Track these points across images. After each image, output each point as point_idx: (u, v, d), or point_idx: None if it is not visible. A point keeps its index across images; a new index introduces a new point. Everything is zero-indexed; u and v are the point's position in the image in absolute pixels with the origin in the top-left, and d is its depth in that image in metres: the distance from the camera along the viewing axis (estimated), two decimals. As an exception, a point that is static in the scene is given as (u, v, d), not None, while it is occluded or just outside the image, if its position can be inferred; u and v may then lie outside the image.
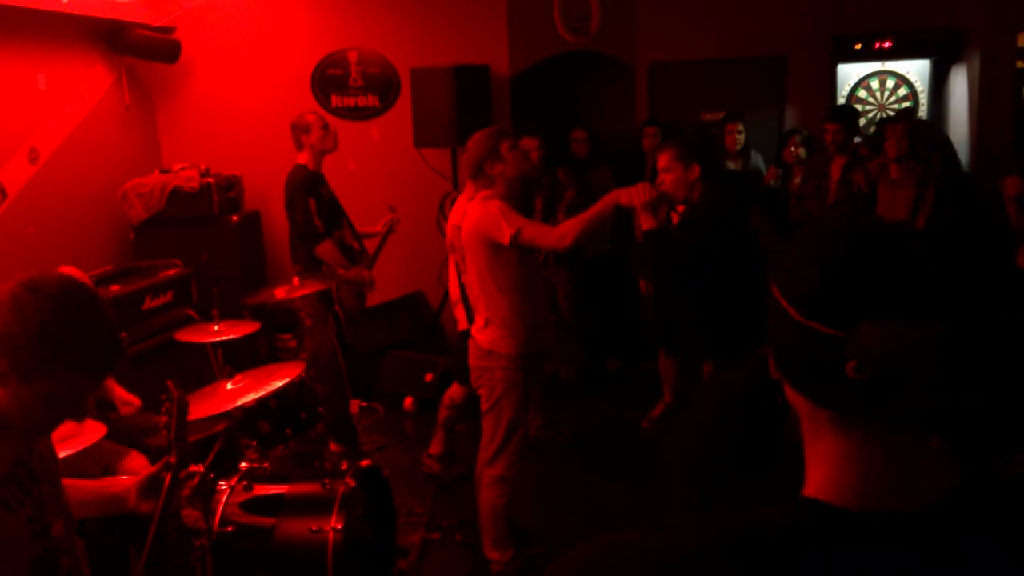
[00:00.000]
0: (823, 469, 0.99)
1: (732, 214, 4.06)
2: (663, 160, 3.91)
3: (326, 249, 4.97)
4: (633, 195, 3.61)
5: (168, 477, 2.19)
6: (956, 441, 0.98)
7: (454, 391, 4.96)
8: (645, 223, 3.74)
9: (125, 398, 4.04)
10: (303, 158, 5.11)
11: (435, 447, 5.08)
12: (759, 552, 0.92)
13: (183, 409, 2.29)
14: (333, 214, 5.17)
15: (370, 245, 5.50)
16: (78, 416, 1.83)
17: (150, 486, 2.22)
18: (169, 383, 2.31)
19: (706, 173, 3.96)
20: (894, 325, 0.90)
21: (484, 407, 3.81)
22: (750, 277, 5.74)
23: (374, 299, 5.98)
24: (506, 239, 3.57)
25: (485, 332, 3.75)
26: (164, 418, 2.27)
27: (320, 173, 5.15)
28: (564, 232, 3.65)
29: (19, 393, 1.68)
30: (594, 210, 3.67)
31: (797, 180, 5.87)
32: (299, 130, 5.12)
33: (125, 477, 2.50)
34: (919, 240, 0.96)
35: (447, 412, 5.00)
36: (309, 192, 5.00)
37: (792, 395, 1.03)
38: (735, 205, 4.15)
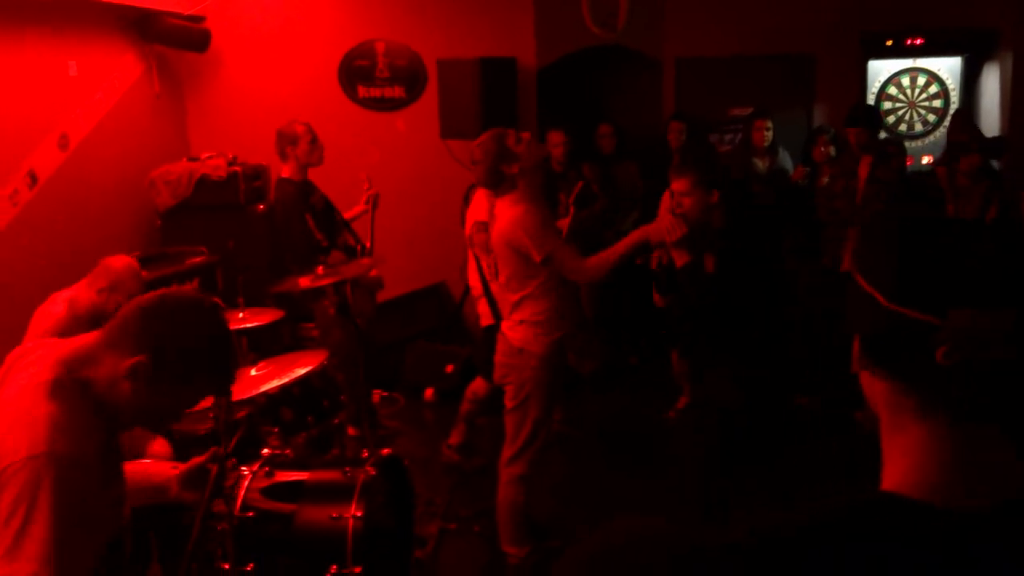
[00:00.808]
0: (905, 463, 0.99)
1: (762, 250, 4.05)
2: (682, 185, 3.80)
3: (336, 259, 4.90)
4: (663, 232, 3.50)
5: (215, 469, 2.24)
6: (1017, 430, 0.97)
7: (477, 385, 4.97)
8: (679, 259, 3.62)
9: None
10: (287, 171, 4.98)
11: (455, 438, 5.11)
12: (845, 544, 0.91)
13: (231, 402, 2.33)
14: (329, 221, 5.09)
15: (361, 228, 5.42)
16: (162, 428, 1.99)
17: (196, 476, 2.30)
18: None
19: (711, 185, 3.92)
20: (985, 311, 0.90)
21: (510, 404, 3.80)
22: (769, 295, 5.75)
23: (396, 290, 6.01)
24: (537, 259, 3.58)
25: (518, 330, 3.74)
26: (211, 411, 2.33)
27: (307, 182, 5.04)
28: (595, 268, 3.65)
29: (139, 392, 1.81)
30: (622, 247, 3.64)
31: (825, 179, 5.83)
32: (286, 140, 4.96)
33: (166, 464, 2.55)
34: (990, 232, 0.97)
35: (469, 406, 5.01)
36: (303, 208, 4.90)
37: (872, 386, 1.03)
38: (765, 239, 4.14)
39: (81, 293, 3.80)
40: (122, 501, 1.95)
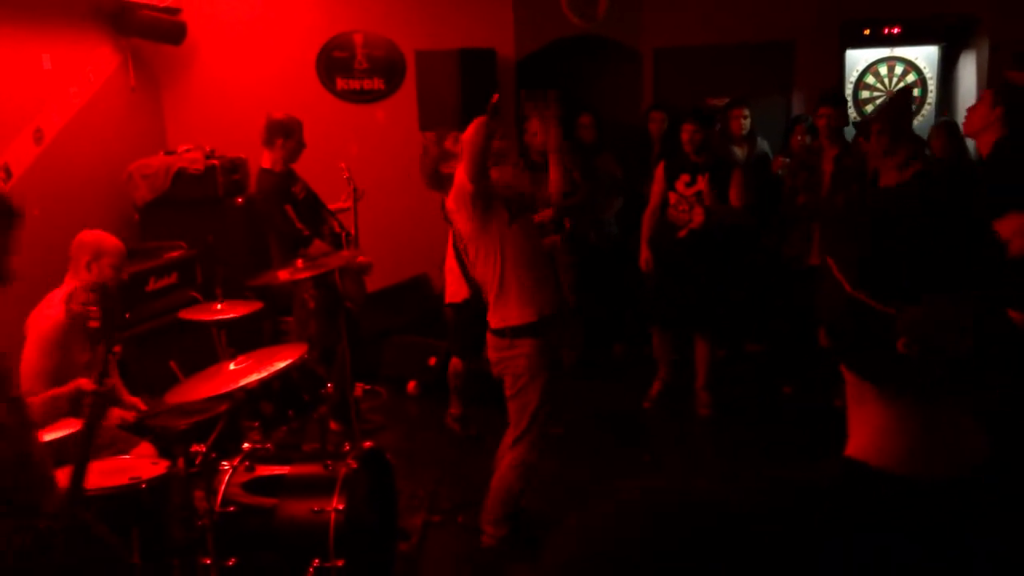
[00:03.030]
0: (866, 433, 1.01)
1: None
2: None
3: (319, 249, 4.89)
4: None
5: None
6: (988, 414, 1.00)
7: (455, 364, 5.28)
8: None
9: (130, 402, 4.05)
10: (269, 160, 4.96)
11: (454, 408, 5.43)
12: (803, 508, 0.94)
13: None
14: (312, 210, 5.07)
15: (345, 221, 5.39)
16: None
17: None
18: None
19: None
20: (944, 302, 0.92)
21: (509, 393, 3.83)
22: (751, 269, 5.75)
23: (378, 283, 5.99)
24: (467, 181, 3.59)
25: (500, 312, 3.76)
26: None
27: (289, 171, 5.02)
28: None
29: None
30: None
31: (778, 170, 5.84)
32: (281, 130, 4.94)
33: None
34: (962, 222, 0.98)
35: (456, 382, 5.34)
36: (284, 198, 4.88)
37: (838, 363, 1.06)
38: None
39: (72, 284, 3.78)
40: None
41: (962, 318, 0.92)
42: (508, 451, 3.90)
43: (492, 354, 3.84)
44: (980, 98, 4.07)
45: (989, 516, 0.95)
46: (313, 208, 5.10)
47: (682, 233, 5.24)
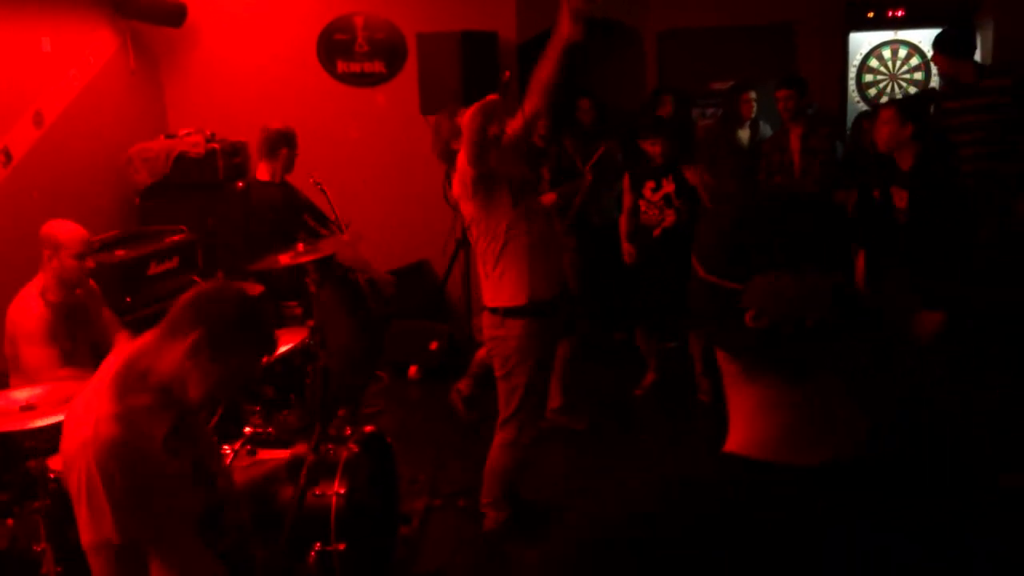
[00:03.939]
0: (741, 423, 1.05)
1: None
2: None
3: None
4: None
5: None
6: (858, 390, 1.03)
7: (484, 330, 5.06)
8: None
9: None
10: (268, 172, 4.86)
11: (464, 385, 5.30)
12: (685, 506, 0.98)
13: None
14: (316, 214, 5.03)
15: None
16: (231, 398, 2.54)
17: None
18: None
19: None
20: (784, 276, 0.97)
21: (498, 374, 3.85)
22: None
23: (379, 268, 5.97)
24: (468, 165, 3.59)
25: (494, 290, 3.77)
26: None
27: (285, 182, 4.96)
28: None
29: (203, 367, 2.08)
30: None
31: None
32: (283, 140, 4.83)
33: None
34: (810, 203, 1.04)
35: (481, 370, 5.11)
36: (301, 209, 4.85)
37: (718, 355, 1.10)
38: None
39: (42, 279, 3.77)
40: (206, 470, 2.24)
41: (801, 291, 0.96)
42: (498, 431, 3.92)
43: (485, 332, 3.86)
44: (883, 116, 4.10)
45: (865, 502, 0.96)
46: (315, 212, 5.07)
47: (656, 232, 5.26)
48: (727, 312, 1.01)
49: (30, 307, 3.69)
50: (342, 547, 3.07)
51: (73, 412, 2.09)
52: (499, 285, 3.76)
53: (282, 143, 4.86)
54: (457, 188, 3.77)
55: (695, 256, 1.07)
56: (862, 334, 0.99)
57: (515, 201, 3.73)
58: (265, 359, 2.29)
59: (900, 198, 4.10)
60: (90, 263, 3.85)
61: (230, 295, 2.19)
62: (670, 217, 5.18)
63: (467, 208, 3.77)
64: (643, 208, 5.33)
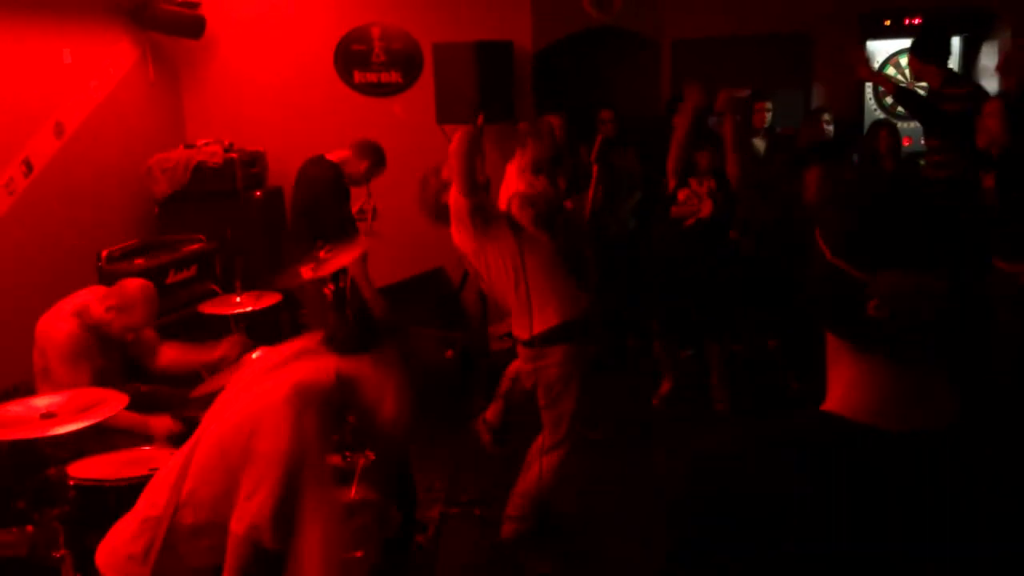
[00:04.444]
0: (840, 389, 1.11)
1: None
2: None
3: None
4: None
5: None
6: (957, 374, 1.09)
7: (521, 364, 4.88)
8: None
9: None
10: (337, 156, 5.12)
11: (492, 415, 4.82)
12: (785, 456, 1.06)
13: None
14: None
15: None
16: None
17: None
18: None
19: None
20: (912, 273, 1.01)
21: (543, 403, 3.81)
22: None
23: (394, 276, 5.99)
24: (461, 195, 3.60)
25: (522, 321, 3.74)
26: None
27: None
28: None
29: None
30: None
31: None
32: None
33: None
34: (942, 198, 1.07)
35: (510, 384, 4.76)
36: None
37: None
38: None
39: (92, 305, 3.76)
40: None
41: (927, 289, 1.00)
42: (544, 455, 3.86)
43: (524, 365, 3.82)
44: (988, 110, 4.19)
45: (957, 467, 1.04)
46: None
47: (689, 222, 5.26)
48: (848, 297, 1.05)
49: (62, 324, 3.68)
50: (359, 555, 3.08)
51: (240, 389, 2.35)
52: (527, 315, 3.72)
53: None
54: (456, 232, 3.75)
55: (821, 237, 1.10)
56: (972, 327, 1.05)
57: (515, 230, 3.73)
58: None
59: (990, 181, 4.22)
60: (130, 336, 3.85)
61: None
62: (707, 207, 5.18)
63: (467, 245, 3.75)
64: (681, 198, 5.33)
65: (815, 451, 1.05)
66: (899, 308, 1.01)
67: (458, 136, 3.57)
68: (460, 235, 3.74)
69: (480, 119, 4.29)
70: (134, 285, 3.80)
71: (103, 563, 2.31)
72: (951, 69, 5.67)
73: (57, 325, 3.69)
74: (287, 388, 2.23)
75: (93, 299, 3.78)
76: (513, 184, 4.83)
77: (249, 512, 2.18)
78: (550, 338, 3.69)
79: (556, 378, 3.72)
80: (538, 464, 3.89)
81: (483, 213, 3.66)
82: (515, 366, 4.85)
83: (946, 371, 1.07)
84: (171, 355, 4.11)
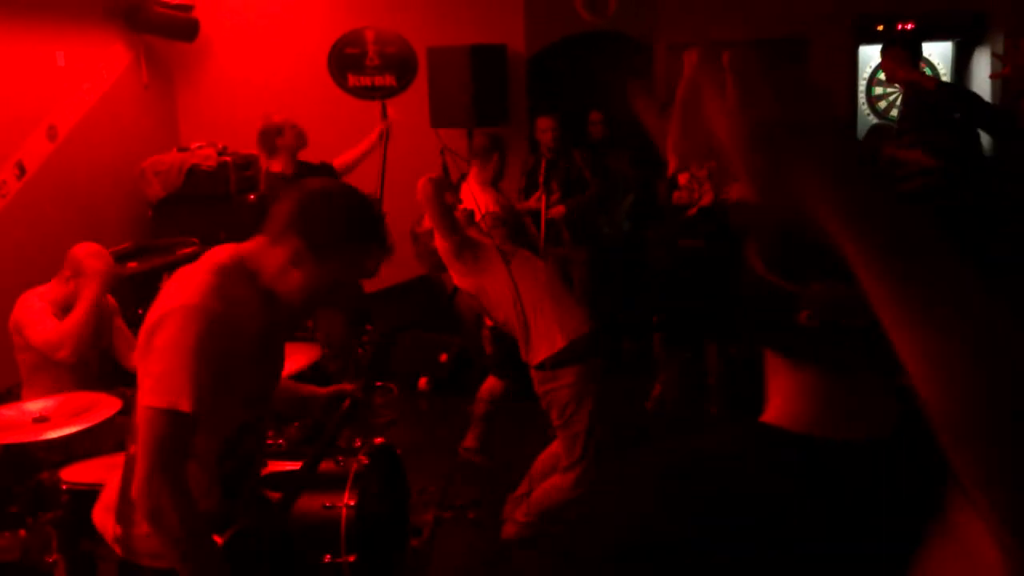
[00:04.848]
0: (778, 401, 1.12)
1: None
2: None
3: None
4: None
5: (347, 403, 2.59)
6: (895, 382, 1.09)
7: (492, 385, 4.85)
8: None
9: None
10: (278, 164, 4.98)
11: (471, 441, 4.93)
12: (719, 472, 1.07)
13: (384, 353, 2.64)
14: None
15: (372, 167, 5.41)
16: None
17: (332, 402, 2.63)
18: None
19: None
20: (841, 282, 1.00)
21: (556, 423, 3.79)
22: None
23: (388, 280, 5.99)
24: (443, 239, 3.69)
25: (533, 347, 3.72)
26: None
27: (300, 166, 5.04)
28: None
29: (309, 273, 2.02)
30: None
31: None
32: (272, 134, 4.96)
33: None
34: None
35: (486, 407, 4.87)
36: None
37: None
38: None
39: (54, 290, 3.76)
40: (268, 385, 2.22)
41: (856, 298, 0.99)
42: (562, 474, 3.85)
43: (537, 388, 3.80)
44: None
45: (894, 475, 1.06)
46: None
47: (692, 211, 5.24)
48: (780, 310, 1.07)
49: (35, 306, 3.67)
50: (352, 559, 3.07)
51: (169, 285, 2.02)
52: (533, 341, 3.71)
53: (272, 138, 5.03)
54: (454, 275, 3.78)
55: (753, 252, 1.11)
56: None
57: (506, 259, 3.74)
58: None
59: None
60: (107, 298, 3.82)
61: (327, 194, 2.10)
62: (708, 196, 5.15)
63: (467, 283, 3.77)
64: (683, 182, 5.30)
65: (753, 462, 1.07)
66: (830, 318, 1.03)
67: (422, 184, 3.61)
68: (458, 276, 3.78)
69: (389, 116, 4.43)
70: (80, 248, 3.77)
71: (99, 521, 2.26)
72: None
73: (30, 305, 3.66)
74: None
75: (54, 285, 3.77)
76: (480, 200, 4.85)
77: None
78: (560, 360, 3.69)
79: (569, 398, 3.71)
80: (555, 477, 3.88)
81: (470, 248, 3.71)
82: (487, 387, 4.87)
83: (882, 379, 1.08)
84: None
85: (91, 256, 3.72)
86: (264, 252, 2.06)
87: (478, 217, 4.65)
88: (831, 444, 1.06)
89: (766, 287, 1.09)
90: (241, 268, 2.04)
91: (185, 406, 1.87)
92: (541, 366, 3.73)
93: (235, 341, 1.98)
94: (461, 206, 4.71)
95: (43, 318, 3.61)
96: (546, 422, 4.07)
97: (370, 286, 5.60)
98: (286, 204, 2.07)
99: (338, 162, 5.39)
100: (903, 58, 5.11)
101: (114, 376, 3.97)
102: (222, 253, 2.07)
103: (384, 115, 5.32)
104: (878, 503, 1.04)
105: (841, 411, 1.08)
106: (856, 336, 1.03)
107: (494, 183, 5.12)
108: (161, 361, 1.89)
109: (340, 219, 2.06)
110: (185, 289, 1.95)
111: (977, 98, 5.31)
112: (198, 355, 1.88)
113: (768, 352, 1.14)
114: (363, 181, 5.43)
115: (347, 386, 2.75)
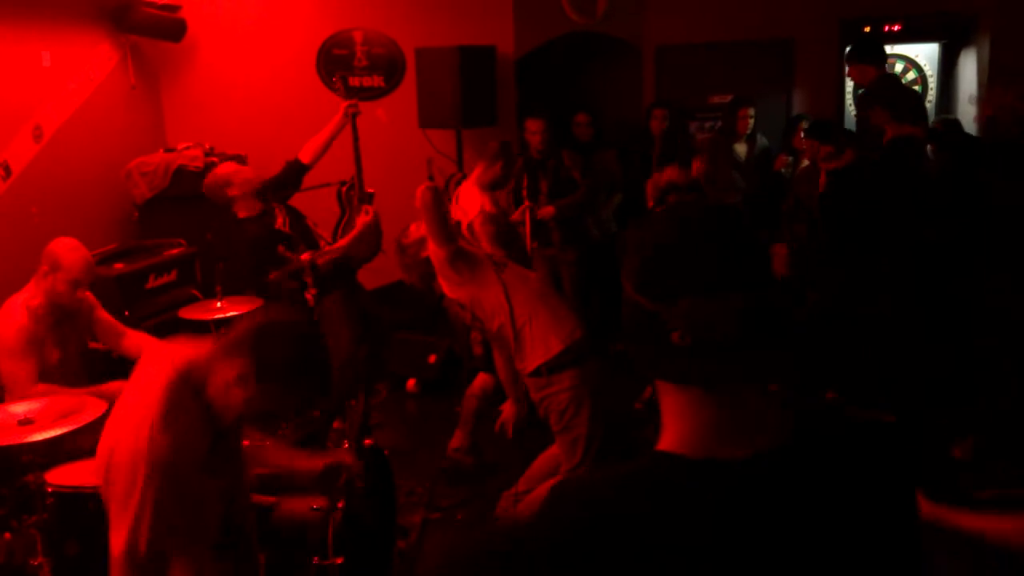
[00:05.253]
0: (671, 426, 1.13)
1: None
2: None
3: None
4: None
5: (344, 477, 2.75)
6: (784, 394, 1.12)
7: (484, 381, 4.84)
8: None
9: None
10: (243, 211, 4.72)
11: (458, 441, 4.88)
12: (616, 503, 1.08)
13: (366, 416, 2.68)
14: (303, 231, 4.91)
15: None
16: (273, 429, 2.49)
17: (326, 476, 2.78)
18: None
19: None
20: (708, 298, 1.03)
21: (556, 429, 3.77)
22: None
23: (377, 281, 5.98)
24: (439, 248, 3.65)
25: (527, 354, 3.71)
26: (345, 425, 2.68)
27: (265, 209, 4.78)
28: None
29: (249, 396, 2.14)
30: None
31: (806, 163, 5.84)
32: (221, 185, 4.67)
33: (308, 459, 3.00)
34: (726, 220, 1.09)
35: (477, 403, 4.85)
36: (275, 242, 4.63)
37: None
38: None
39: (33, 287, 3.73)
40: (238, 476, 2.36)
41: (722, 312, 1.02)
42: (567, 476, 3.84)
43: (534, 395, 3.78)
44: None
45: (790, 489, 1.06)
46: (302, 230, 4.93)
47: None
48: (654, 333, 1.07)
49: (12, 318, 3.63)
50: (339, 561, 3.07)
51: (120, 416, 2.14)
52: (527, 348, 3.70)
53: (222, 189, 4.73)
54: (445, 286, 3.75)
55: (623, 275, 1.11)
56: (784, 345, 1.06)
57: (498, 269, 3.73)
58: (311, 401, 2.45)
59: None
60: (83, 293, 3.77)
61: (290, 333, 2.23)
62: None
63: (460, 293, 3.74)
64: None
65: (657, 492, 1.07)
66: (700, 335, 1.03)
67: (420, 191, 3.60)
68: (450, 287, 3.74)
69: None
70: (55, 244, 3.73)
71: None
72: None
73: (5, 320, 3.63)
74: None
75: (30, 285, 3.74)
76: (476, 199, 4.84)
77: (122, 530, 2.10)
78: (556, 366, 3.68)
79: (567, 402, 3.69)
80: (557, 479, 3.87)
81: (465, 258, 3.68)
82: (478, 383, 4.87)
83: (767, 392, 1.08)
84: (138, 341, 4.01)
85: (68, 251, 3.69)
86: (215, 363, 2.18)
87: (464, 228, 4.65)
88: (733, 464, 1.06)
89: (638, 309, 1.08)
90: (188, 382, 2.16)
91: (143, 548, 2.04)
92: (537, 372, 3.71)
93: (191, 472, 2.12)
94: (452, 206, 4.71)
95: (11, 348, 3.57)
96: (533, 424, 4.08)
97: (369, 286, 5.59)
98: (249, 324, 2.21)
99: (305, 154, 5.12)
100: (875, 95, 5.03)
101: (104, 373, 3.95)
102: (176, 361, 2.18)
103: (345, 94, 5.20)
104: (782, 516, 1.04)
105: (732, 429, 1.08)
106: (730, 350, 1.03)
107: (492, 188, 5.09)
108: (123, 510, 2.05)
109: (292, 356, 2.18)
110: (139, 430, 2.06)
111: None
112: (156, 503, 2.03)
113: (656, 381, 1.14)
114: (339, 169, 5.45)
115: (345, 457, 2.92)
